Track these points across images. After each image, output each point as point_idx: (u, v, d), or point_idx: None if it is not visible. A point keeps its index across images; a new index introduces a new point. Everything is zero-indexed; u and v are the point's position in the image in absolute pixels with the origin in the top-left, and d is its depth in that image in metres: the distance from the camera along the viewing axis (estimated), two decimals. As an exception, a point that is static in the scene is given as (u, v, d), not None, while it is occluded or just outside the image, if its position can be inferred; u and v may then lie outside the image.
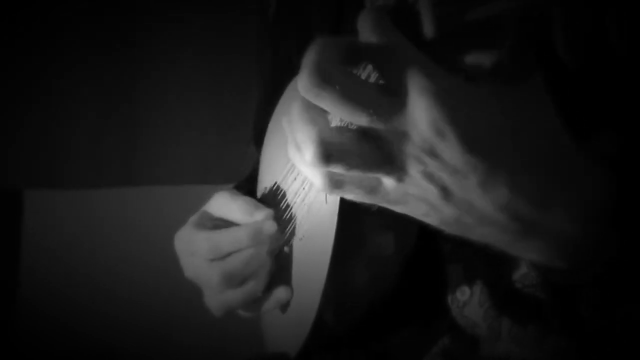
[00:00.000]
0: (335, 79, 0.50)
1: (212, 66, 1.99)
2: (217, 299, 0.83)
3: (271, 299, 0.82)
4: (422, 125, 0.50)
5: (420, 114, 0.50)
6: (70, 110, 1.92)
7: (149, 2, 1.94)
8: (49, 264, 2.00)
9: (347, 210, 0.70)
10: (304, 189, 0.78)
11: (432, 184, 0.53)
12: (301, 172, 0.57)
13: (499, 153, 0.51)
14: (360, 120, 0.51)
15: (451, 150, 0.51)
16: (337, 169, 0.52)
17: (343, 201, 0.69)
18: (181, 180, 1.96)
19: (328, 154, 0.52)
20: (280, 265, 0.82)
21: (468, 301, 0.78)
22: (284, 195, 0.83)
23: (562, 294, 0.68)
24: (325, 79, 0.50)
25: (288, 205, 0.82)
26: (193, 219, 0.86)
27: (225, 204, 0.85)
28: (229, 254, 0.81)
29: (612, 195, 0.55)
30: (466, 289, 0.78)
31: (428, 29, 0.49)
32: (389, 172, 0.53)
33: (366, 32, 0.52)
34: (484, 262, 0.77)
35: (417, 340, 0.82)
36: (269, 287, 0.82)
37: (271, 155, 0.91)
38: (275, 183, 0.86)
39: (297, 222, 0.80)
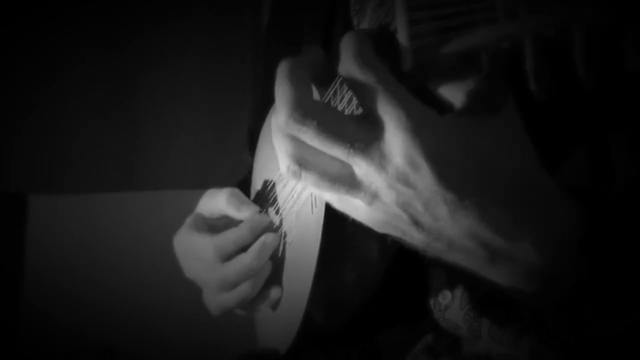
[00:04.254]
0: (314, 114, 0.51)
1: (211, 75, 2.00)
2: (214, 300, 0.86)
3: (264, 299, 0.85)
4: (397, 157, 0.51)
5: (397, 148, 0.50)
6: (72, 118, 1.93)
7: (147, 12, 1.96)
8: (52, 266, 2.01)
9: (333, 218, 0.71)
10: (293, 196, 0.80)
11: (403, 212, 0.53)
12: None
13: (470, 186, 0.52)
14: (339, 153, 0.52)
15: (424, 182, 0.51)
16: (308, 180, 0.54)
17: (329, 209, 0.70)
18: (180, 185, 1.98)
19: (299, 169, 0.53)
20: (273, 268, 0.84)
21: (449, 305, 0.79)
22: (274, 201, 0.85)
23: None
24: (304, 115, 0.51)
25: (278, 211, 0.84)
26: (189, 221, 0.89)
27: (213, 198, 0.88)
28: (233, 255, 0.84)
29: (581, 226, 0.55)
30: (448, 293, 0.79)
31: (405, 60, 0.50)
32: (358, 195, 0.53)
33: (348, 57, 0.52)
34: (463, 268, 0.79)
35: (402, 338, 0.84)
36: (262, 287, 0.85)
37: (263, 161, 0.93)
38: (267, 189, 0.89)
39: (287, 226, 0.82)
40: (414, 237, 0.55)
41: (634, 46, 0.41)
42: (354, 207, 0.55)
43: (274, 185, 0.86)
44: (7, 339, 1.96)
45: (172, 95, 1.99)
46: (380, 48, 0.52)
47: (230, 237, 0.84)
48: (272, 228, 0.85)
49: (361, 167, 0.52)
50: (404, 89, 0.51)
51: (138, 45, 1.96)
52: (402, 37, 0.48)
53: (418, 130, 0.50)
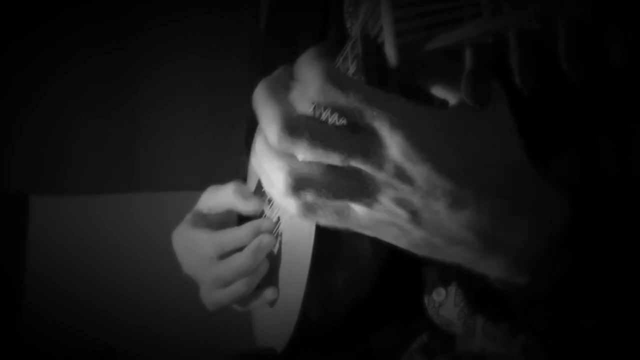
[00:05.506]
0: (306, 126, 0.51)
1: (211, 75, 2.00)
2: (210, 295, 0.88)
3: (259, 297, 0.86)
4: (395, 156, 0.51)
5: (394, 147, 0.50)
6: (72, 118, 1.93)
7: (147, 12, 1.97)
8: (53, 267, 2.02)
9: None
10: None
11: (402, 209, 0.53)
12: (278, 202, 0.56)
13: (467, 177, 0.52)
14: (335, 160, 0.51)
15: (421, 175, 0.51)
16: (308, 198, 0.53)
17: None
18: (180, 187, 1.97)
19: (298, 184, 0.52)
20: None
21: (443, 302, 0.80)
22: (270, 202, 0.86)
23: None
24: (294, 132, 0.51)
25: (274, 211, 0.85)
26: (188, 217, 0.90)
27: (215, 194, 0.90)
28: (230, 253, 0.85)
29: (567, 217, 0.57)
30: (442, 290, 0.80)
31: (392, 58, 0.49)
32: (359, 200, 0.53)
33: (316, 83, 0.51)
34: (458, 265, 0.80)
35: (397, 337, 0.84)
36: (259, 285, 0.86)
37: None
38: (262, 190, 0.87)
39: (283, 226, 0.83)
40: (414, 236, 0.55)
41: (617, 41, 0.41)
42: (355, 219, 0.55)
43: None
44: (8, 339, 1.96)
45: (172, 95, 1.99)
46: (367, 52, 0.52)
47: (231, 236, 0.85)
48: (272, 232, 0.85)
49: (358, 170, 0.52)
50: (384, 92, 0.51)
51: (138, 45, 1.97)
52: (388, 34, 0.48)
53: (413, 127, 0.50)
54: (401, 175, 0.52)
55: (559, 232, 0.57)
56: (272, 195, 0.56)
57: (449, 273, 0.80)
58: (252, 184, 0.95)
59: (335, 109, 0.51)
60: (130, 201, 2.06)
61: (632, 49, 0.49)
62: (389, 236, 0.57)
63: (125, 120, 1.98)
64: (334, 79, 0.51)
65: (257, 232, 0.84)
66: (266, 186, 0.57)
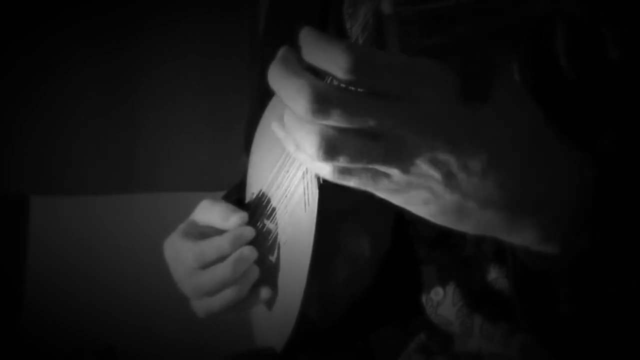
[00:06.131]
0: (336, 97, 0.48)
1: (211, 77, 2.01)
2: (197, 304, 0.87)
3: (254, 300, 0.85)
4: (429, 107, 0.49)
5: (427, 98, 0.49)
6: (72, 118, 1.93)
7: (147, 12, 1.97)
8: (53, 267, 2.02)
9: (325, 217, 0.73)
10: (286, 195, 0.81)
11: (438, 171, 0.51)
12: (307, 166, 0.55)
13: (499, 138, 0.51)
14: (370, 124, 0.49)
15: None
16: (342, 162, 0.50)
17: (321, 208, 0.73)
18: (180, 188, 1.98)
19: (332, 150, 0.49)
20: (267, 266, 0.85)
21: (442, 301, 0.81)
22: (269, 201, 0.86)
23: (529, 297, 0.70)
24: (325, 101, 0.48)
25: (273, 211, 0.85)
26: (181, 227, 0.89)
27: (207, 211, 0.88)
28: (213, 262, 0.84)
29: (591, 185, 0.55)
30: (440, 290, 0.81)
31: (393, 50, 0.49)
32: (393, 163, 0.50)
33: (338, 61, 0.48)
34: (456, 265, 0.80)
35: (395, 337, 0.85)
36: (255, 286, 0.85)
37: (258, 162, 0.94)
38: (261, 190, 0.89)
39: (281, 226, 0.83)
40: (445, 200, 0.53)
41: (614, 40, 0.42)
42: (385, 184, 0.52)
43: (268, 185, 0.87)
44: (8, 339, 1.96)
45: (172, 95, 1.99)
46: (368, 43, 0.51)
47: (210, 245, 0.84)
48: (254, 239, 0.85)
49: (394, 132, 0.50)
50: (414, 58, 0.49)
51: (138, 45, 1.96)
52: (390, 24, 0.48)
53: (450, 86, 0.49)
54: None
55: (586, 199, 0.55)
56: (304, 163, 0.54)
57: (447, 273, 0.81)
58: (251, 182, 0.95)
59: (368, 83, 0.49)
60: (130, 202, 2.06)
61: (629, 46, 0.48)
62: (418, 201, 0.53)
63: (125, 120, 1.98)
64: (366, 55, 0.48)
65: (239, 240, 0.83)
66: (297, 156, 0.54)
